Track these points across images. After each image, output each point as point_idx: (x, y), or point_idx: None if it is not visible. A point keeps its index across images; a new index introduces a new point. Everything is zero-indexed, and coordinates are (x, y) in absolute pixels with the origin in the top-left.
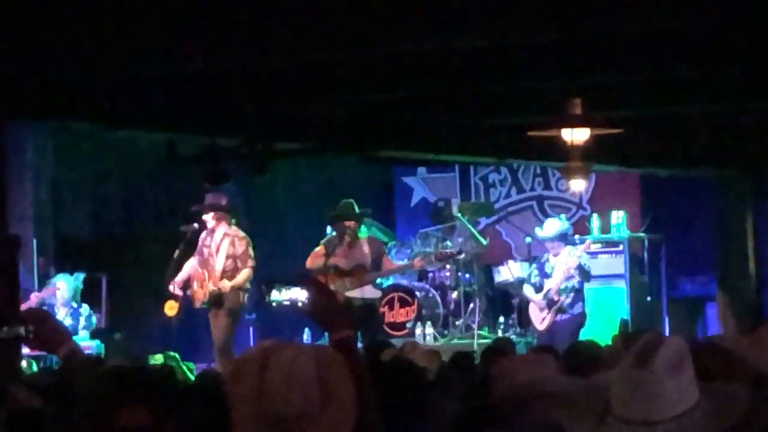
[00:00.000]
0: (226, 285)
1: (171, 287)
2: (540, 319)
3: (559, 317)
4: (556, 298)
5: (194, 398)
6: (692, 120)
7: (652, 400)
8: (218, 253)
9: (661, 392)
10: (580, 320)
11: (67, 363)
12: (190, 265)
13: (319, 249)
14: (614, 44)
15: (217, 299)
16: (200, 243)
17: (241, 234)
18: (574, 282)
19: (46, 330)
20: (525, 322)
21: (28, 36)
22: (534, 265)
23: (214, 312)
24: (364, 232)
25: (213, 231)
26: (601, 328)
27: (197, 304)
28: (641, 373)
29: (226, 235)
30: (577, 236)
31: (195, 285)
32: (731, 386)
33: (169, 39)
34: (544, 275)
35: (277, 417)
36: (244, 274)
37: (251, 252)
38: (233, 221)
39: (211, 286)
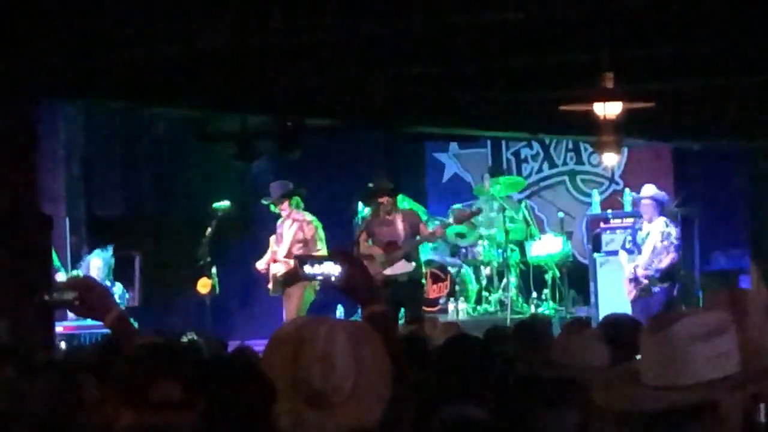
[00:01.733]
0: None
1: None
2: (629, 290)
3: (642, 296)
4: (642, 280)
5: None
6: (723, 92)
7: (671, 365)
8: (283, 238)
9: (681, 357)
10: (661, 299)
11: (116, 329)
12: (270, 251)
13: (362, 235)
14: (646, 17)
15: (282, 283)
16: (278, 230)
17: (308, 218)
18: (665, 261)
19: (93, 297)
20: (558, 297)
21: (59, 14)
22: (629, 231)
23: (286, 294)
24: (402, 205)
25: (285, 217)
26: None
27: (270, 293)
28: (658, 337)
29: (294, 220)
30: (609, 211)
31: (271, 268)
32: None
33: (199, 17)
34: (635, 244)
35: (313, 392)
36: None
37: (321, 235)
38: (301, 206)
39: (273, 269)
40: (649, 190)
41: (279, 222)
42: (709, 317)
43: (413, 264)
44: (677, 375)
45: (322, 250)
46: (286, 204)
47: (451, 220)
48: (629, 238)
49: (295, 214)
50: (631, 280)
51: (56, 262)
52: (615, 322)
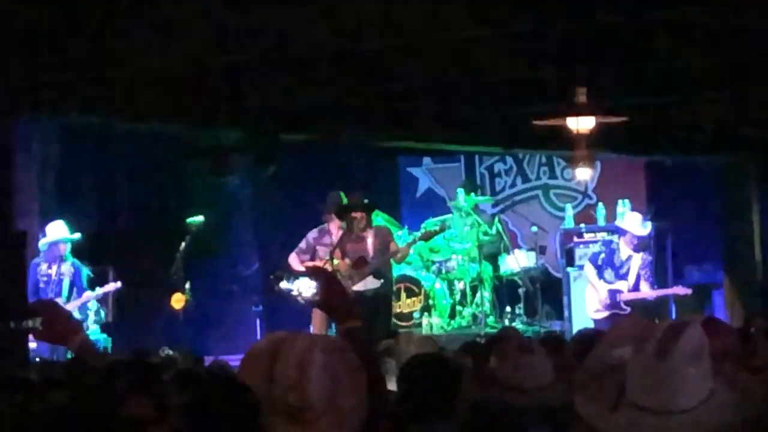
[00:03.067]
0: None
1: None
2: (595, 309)
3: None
4: (624, 306)
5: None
6: (697, 107)
7: (672, 390)
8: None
9: (680, 383)
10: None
11: (80, 354)
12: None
13: (335, 251)
14: (619, 33)
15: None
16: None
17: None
18: (647, 292)
19: (57, 322)
20: (531, 311)
21: (32, 33)
22: (602, 247)
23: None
24: (376, 221)
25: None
26: None
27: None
28: (663, 363)
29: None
30: (582, 225)
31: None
32: (752, 378)
33: (172, 33)
34: (612, 265)
35: (288, 406)
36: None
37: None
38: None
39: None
40: (632, 224)
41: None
42: (694, 334)
43: (381, 280)
44: (678, 400)
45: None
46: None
47: (417, 239)
48: (603, 255)
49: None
50: (608, 305)
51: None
52: (588, 338)
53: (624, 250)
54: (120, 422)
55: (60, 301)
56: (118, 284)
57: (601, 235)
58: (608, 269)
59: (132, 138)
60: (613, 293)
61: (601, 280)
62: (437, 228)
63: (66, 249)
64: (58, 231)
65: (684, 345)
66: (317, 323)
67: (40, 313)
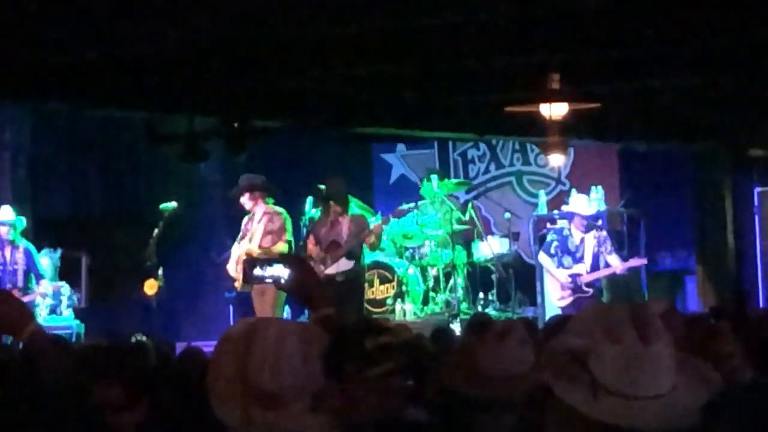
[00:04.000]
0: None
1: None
2: (559, 296)
3: (576, 301)
4: (585, 288)
5: (170, 376)
6: (670, 93)
7: (652, 376)
8: (256, 233)
9: (661, 368)
10: (599, 296)
11: (30, 345)
12: (235, 249)
13: (309, 237)
14: (591, 18)
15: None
16: (243, 227)
17: (278, 210)
18: (605, 274)
19: (6, 311)
20: (504, 297)
21: (3, 17)
22: (554, 235)
23: (258, 290)
24: (353, 210)
25: (253, 213)
26: None
27: (238, 288)
28: (648, 349)
29: (264, 213)
30: (556, 211)
31: (237, 268)
32: (706, 364)
33: (146, 19)
34: (567, 251)
35: (262, 392)
36: (280, 248)
37: (288, 227)
38: (270, 201)
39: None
40: (578, 205)
41: (247, 218)
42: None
43: (352, 262)
44: (659, 385)
45: (288, 241)
46: (257, 196)
47: (386, 218)
48: (556, 243)
49: (264, 207)
50: (569, 288)
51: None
52: (560, 325)
53: (576, 234)
54: (91, 409)
55: (17, 293)
56: (63, 284)
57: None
58: (565, 255)
59: (104, 124)
60: (573, 277)
61: (560, 268)
62: (402, 209)
63: (8, 233)
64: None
65: (663, 329)
66: (264, 308)
67: None
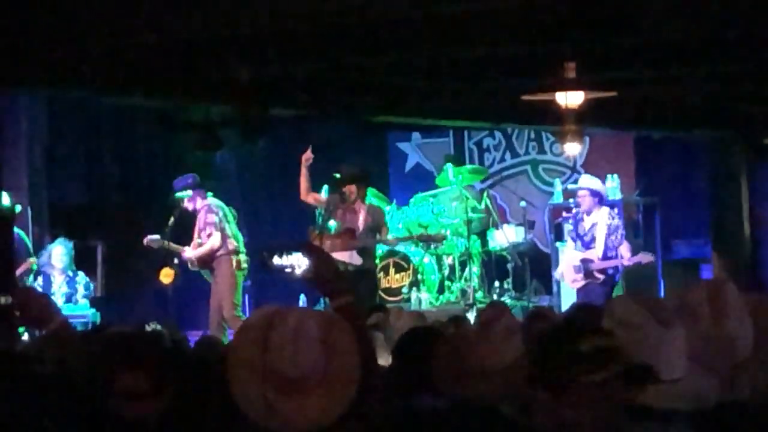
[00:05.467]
0: (190, 254)
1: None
2: (572, 279)
3: (588, 285)
4: (597, 275)
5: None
6: (685, 81)
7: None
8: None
9: (676, 353)
10: (613, 283)
11: (56, 338)
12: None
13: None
14: (607, 6)
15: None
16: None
17: (214, 204)
18: (616, 258)
19: (33, 306)
20: (519, 286)
21: (18, 5)
22: (571, 221)
23: (216, 275)
24: (369, 198)
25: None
26: None
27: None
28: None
29: (202, 208)
30: (571, 200)
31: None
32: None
33: (162, 6)
34: (579, 235)
35: (282, 378)
36: (210, 242)
37: (215, 219)
38: (209, 194)
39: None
40: (585, 180)
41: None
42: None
43: (363, 258)
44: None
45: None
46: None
47: (413, 235)
48: (571, 228)
49: (203, 202)
50: (578, 272)
51: (30, 248)
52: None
53: (586, 219)
54: (115, 396)
55: None
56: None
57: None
58: (578, 240)
59: (120, 113)
60: (584, 261)
61: (576, 251)
62: (439, 235)
63: None
64: None
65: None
66: (222, 291)
67: (14, 296)
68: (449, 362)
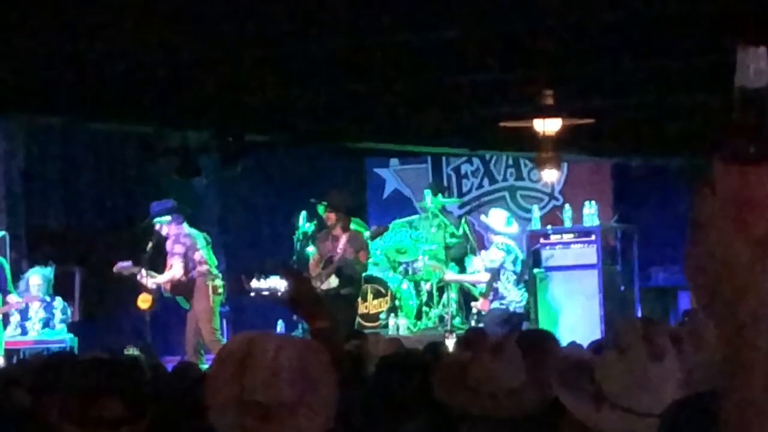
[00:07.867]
0: (158, 281)
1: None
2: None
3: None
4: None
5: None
6: (663, 109)
7: (661, 393)
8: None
9: (668, 385)
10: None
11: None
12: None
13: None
14: (585, 34)
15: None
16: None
17: (183, 233)
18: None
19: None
20: None
21: None
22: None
23: (193, 300)
24: (354, 226)
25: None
26: (574, 319)
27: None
28: (655, 364)
29: (173, 236)
30: (549, 226)
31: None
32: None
33: (139, 34)
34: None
35: (260, 406)
36: (170, 272)
37: (181, 250)
38: (184, 222)
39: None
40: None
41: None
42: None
43: (339, 279)
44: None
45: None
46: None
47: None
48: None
49: (177, 230)
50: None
51: (9, 280)
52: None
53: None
54: (90, 423)
55: None
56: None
57: (568, 237)
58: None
59: (98, 138)
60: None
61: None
62: (383, 227)
63: None
64: None
65: (671, 347)
66: (200, 315)
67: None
68: (452, 379)
